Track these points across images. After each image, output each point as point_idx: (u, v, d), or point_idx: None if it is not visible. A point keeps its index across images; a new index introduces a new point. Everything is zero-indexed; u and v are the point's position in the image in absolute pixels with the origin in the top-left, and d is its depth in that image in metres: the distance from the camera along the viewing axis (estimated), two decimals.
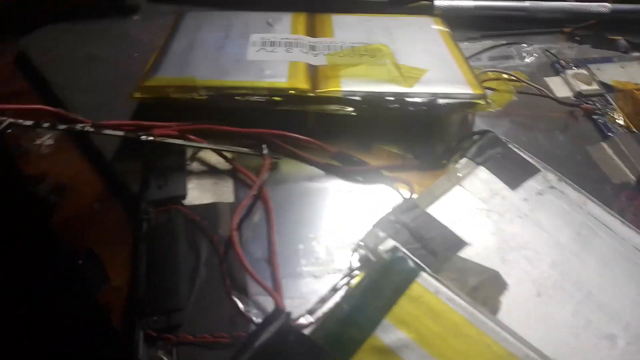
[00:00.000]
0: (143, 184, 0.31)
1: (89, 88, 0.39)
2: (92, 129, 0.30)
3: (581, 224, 0.30)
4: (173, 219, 0.30)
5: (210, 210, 0.30)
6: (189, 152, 0.33)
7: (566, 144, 0.36)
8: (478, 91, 0.34)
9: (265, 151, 0.32)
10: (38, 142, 0.37)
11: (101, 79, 0.40)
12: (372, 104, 0.33)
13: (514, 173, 0.32)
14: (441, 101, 0.34)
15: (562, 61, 0.42)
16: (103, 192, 0.34)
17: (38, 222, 0.33)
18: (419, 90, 0.34)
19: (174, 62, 0.36)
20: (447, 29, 0.42)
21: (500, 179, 0.32)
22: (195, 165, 0.33)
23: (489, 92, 0.38)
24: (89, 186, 0.34)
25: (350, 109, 0.34)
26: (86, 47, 0.42)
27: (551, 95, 0.39)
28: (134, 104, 0.36)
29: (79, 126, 0.30)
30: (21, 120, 0.29)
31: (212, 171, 0.33)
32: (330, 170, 0.33)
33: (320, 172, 0.33)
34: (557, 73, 0.42)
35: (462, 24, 0.45)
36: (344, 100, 0.34)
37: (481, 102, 0.34)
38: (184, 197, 0.31)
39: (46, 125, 0.29)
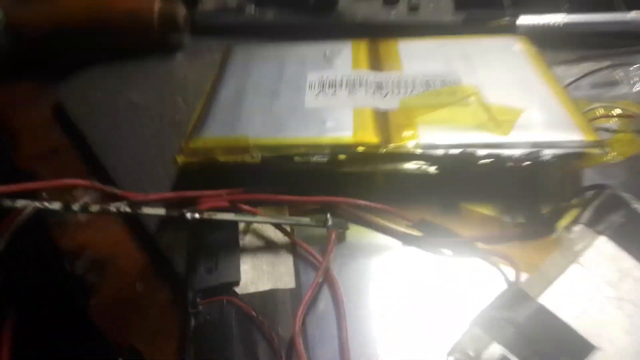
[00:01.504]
0: (190, 267, 0.27)
1: (130, 143, 0.35)
2: (128, 209, 0.25)
3: None
4: (225, 315, 0.25)
5: (268, 300, 0.25)
6: (242, 224, 0.28)
7: None
8: (591, 137, 0.28)
9: (329, 222, 0.27)
10: (82, 200, 0.33)
11: (143, 131, 0.35)
12: (459, 160, 0.27)
13: None
14: (546, 153, 0.27)
15: None
16: (147, 269, 0.30)
17: (75, 306, 0.29)
18: (517, 139, 0.28)
19: (222, 116, 0.31)
20: (535, 50, 0.36)
21: (630, 252, 0.25)
22: (249, 240, 0.28)
23: (602, 134, 0.31)
24: (131, 262, 0.30)
25: (432, 168, 0.28)
26: (127, 94, 0.38)
27: None
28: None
29: (113, 207, 0.25)
30: (47, 204, 0.25)
31: (269, 247, 0.27)
32: (410, 242, 0.28)
33: (398, 243, 0.28)
34: None
35: (552, 43, 0.38)
36: (423, 156, 0.28)
37: (596, 151, 0.27)
38: (237, 283, 0.26)
39: (76, 207, 0.25)
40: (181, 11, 0.40)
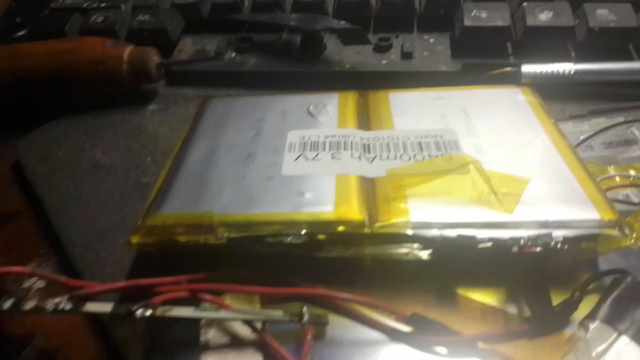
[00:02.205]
0: None
1: (91, 209, 0.31)
2: (68, 307, 0.22)
3: None
4: None
5: None
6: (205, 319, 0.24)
7: None
8: (608, 215, 0.24)
9: (306, 317, 0.23)
10: (27, 284, 0.29)
11: (106, 195, 0.32)
12: (456, 244, 0.24)
13: None
14: (556, 235, 0.23)
15: None
16: None
17: None
18: (523, 217, 0.24)
19: (187, 187, 0.28)
20: (540, 103, 0.32)
21: None
22: (212, 337, 0.24)
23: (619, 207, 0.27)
24: (83, 353, 0.26)
25: (424, 253, 0.24)
26: (91, 152, 0.35)
27: None
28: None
29: (49, 305, 0.22)
30: None
31: (235, 346, 0.24)
32: (400, 339, 0.24)
33: (386, 340, 0.24)
34: None
35: (558, 95, 0.35)
36: (414, 237, 0.24)
37: (614, 232, 0.23)
38: None
39: (8, 305, 0.21)
40: (153, 58, 0.37)
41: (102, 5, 0.43)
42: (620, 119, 0.33)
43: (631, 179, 0.29)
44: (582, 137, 0.32)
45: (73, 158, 0.34)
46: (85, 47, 0.36)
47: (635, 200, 0.29)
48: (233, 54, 0.39)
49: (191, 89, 0.39)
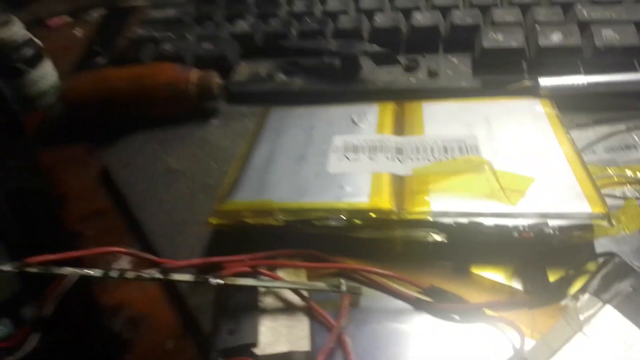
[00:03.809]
0: (214, 328, 0.29)
1: (166, 206, 0.38)
2: (159, 276, 0.28)
3: None
4: None
5: None
6: (262, 288, 0.30)
7: None
8: (599, 209, 0.28)
9: (343, 287, 0.28)
10: (115, 266, 0.36)
11: (178, 194, 0.38)
12: (467, 229, 0.29)
13: None
14: (551, 224, 0.28)
15: None
16: (177, 328, 0.32)
17: None
18: (524, 209, 0.29)
19: (252, 180, 0.34)
20: (556, 113, 0.37)
21: (635, 323, 0.26)
22: (268, 303, 0.30)
23: (612, 203, 0.31)
24: (164, 320, 0.33)
25: (441, 236, 0.29)
26: (165, 159, 0.41)
27: None
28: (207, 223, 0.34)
29: (146, 274, 0.28)
30: (89, 271, 0.28)
31: (286, 311, 0.29)
32: (422, 307, 0.29)
33: (410, 308, 0.29)
34: None
35: (570, 105, 0.39)
36: (433, 223, 0.29)
37: (603, 223, 0.28)
38: (255, 344, 0.28)
39: (115, 274, 0.28)
40: (216, 80, 0.43)
41: (171, 35, 0.50)
42: (622, 127, 0.37)
43: (627, 178, 0.33)
44: (586, 143, 0.36)
45: (150, 164, 0.41)
46: (160, 71, 0.43)
47: (630, 196, 0.33)
48: (283, 76, 0.45)
49: (247, 107, 0.45)
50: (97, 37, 0.58)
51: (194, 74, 0.43)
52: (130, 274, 0.28)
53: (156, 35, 0.50)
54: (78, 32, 0.62)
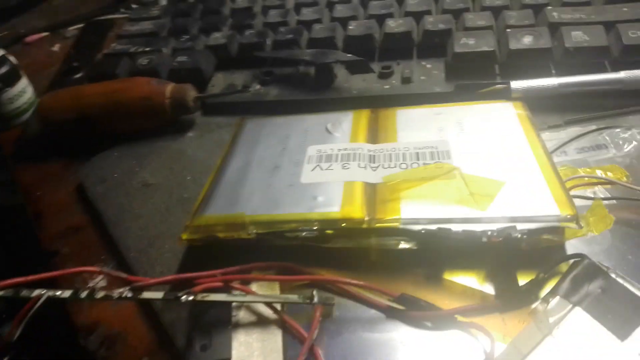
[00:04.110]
0: (187, 344, 0.29)
1: (142, 221, 0.37)
2: (129, 295, 0.28)
3: None
4: None
5: None
6: (235, 303, 0.30)
7: None
8: (567, 211, 0.29)
9: (315, 299, 0.28)
10: (91, 284, 0.36)
11: (154, 209, 0.38)
12: (436, 236, 0.29)
13: (621, 316, 0.26)
14: (519, 228, 0.28)
15: None
16: (152, 345, 0.32)
17: None
18: (493, 214, 0.29)
19: (225, 194, 0.34)
20: (527, 115, 0.37)
21: (604, 325, 0.26)
22: (242, 317, 0.30)
23: (579, 203, 0.32)
24: (139, 336, 0.32)
25: (411, 244, 0.29)
26: (141, 174, 0.41)
27: None
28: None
29: (115, 293, 0.28)
30: (59, 292, 0.28)
31: (260, 324, 0.29)
32: (394, 315, 0.29)
33: (382, 317, 0.29)
34: None
35: (543, 107, 0.39)
36: (402, 231, 0.30)
37: (571, 225, 0.28)
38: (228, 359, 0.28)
39: (84, 295, 0.28)
40: (191, 93, 0.43)
41: (147, 49, 0.50)
42: (593, 127, 0.38)
43: (596, 179, 0.33)
44: (558, 144, 0.37)
45: (126, 179, 0.41)
46: (135, 86, 0.43)
47: (601, 196, 0.33)
48: (258, 86, 0.45)
49: (223, 118, 0.45)
50: (75, 53, 0.58)
51: (169, 88, 0.43)
52: (99, 294, 0.28)
53: (132, 50, 0.50)
54: (56, 47, 0.62)
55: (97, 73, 0.49)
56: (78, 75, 0.53)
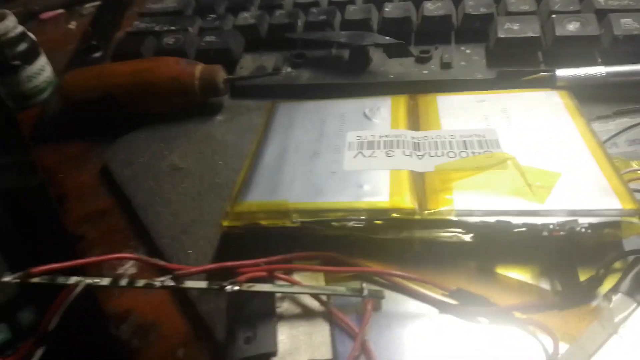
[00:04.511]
0: (229, 336, 0.27)
1: (172, 206, 0.36)
2: (172, 283, 0.26)
3: None
4: None
5: None
6: (279, 294, 0.29)
7: None
8: (630, 205, 0.27)
9: (365, 292, 0.27)
10: (120, 270, 0.34)
11: (185, 193, 0.37)
12: (494, 228, 0.28)
13: None
14: (581, 222, 0.27)
15: None
16: (188, 335, 0.30)
17: None
18: (553, 207, 0.28)
19: (265, 180, 0.33)
20: (575, 105, 0.35)
21: None
22: (286, 308, 0.28)
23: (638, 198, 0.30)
24: (174, 326, 0.31)
25: (467, 236, 0.28)
26: (169, 157, 0.40)
27: None
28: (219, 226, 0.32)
29: (157, 282, 0.26)
30: (98, 280, 0.26)
31: (306, 316, 0.28)
32: (447, 310, 0.27)
33: (434, 311, 0.28)
34: None
35: (589, 96, 0.38)
36: (458, 223, 0.28)
37: (634, 220, 0.27)
38: (274, 353, 0.26)
39: (124, 283, 0.26)
40: (221, 75, 0.42)
41: (173, 28, 0.48)
42: None
43: None
44: (608, 136, 0.35)
45: (154, 162, 0.40)
46: (163, 66, 0.42)
47: None
48: (289, 69, 0.44)
49: (253, 101, 0.43)
50: (93, 31, 0.56)
51: (199, 68, 0.41)
52: (140, 282, 0.26)
53: (157, 29, 0.49)
54: (73, 25, 0.60)
55: (121, 52, 0.47)
56: (97, 54, 0.51)
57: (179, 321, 0.31)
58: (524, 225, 0.27)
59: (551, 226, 0.27)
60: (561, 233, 0.27)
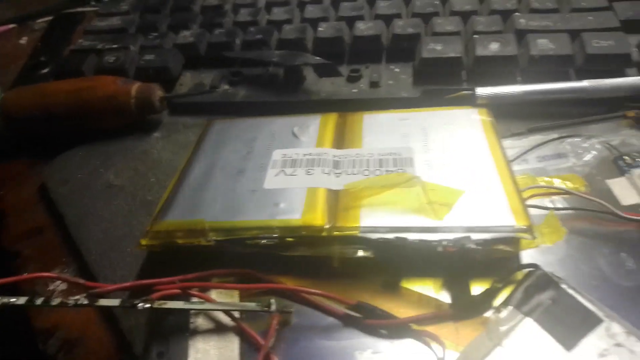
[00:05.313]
0: (145, 351, 0.29)
1: (103, 223, 0.37)
2: (85, 302, 0.28)
3: None
4: None
5: None
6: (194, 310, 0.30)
7: (637, 272, 0.30)
8: (522, 222, 0.29)
9: (273, 307, 0.29)
10: (51, 287, 0.35)
11: (117, 211, 0.38)
12: (392, 245, 0.29)
13: (569, 326, 0.27)
14: (474, 238, 0.29)
15: (626, 157, 0.36)
16: (111, 350, 0.32)
17: None
18: (451, 223, 0.29)
19: (187, 199, 0.34)
20: (491, 122, 0.37)
21: (552, 335, 0.26)
22: (200, 324, 0.30)
23: (536, 212, 0.32)
24: (99, 342, 0.32)
25: (366, 252, 0.30)
26: (105, 175, 0.41)
27: (613, 210, 0.32)
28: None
29: (71, 300, 0.28)
30: (14, 299, 0.27)
31: (218, 331, 0.29)
32: (351, 324, 0.29)
33: (339, 324, 0.29)
34: (621, 173, 0.35)
35: (508, 114, 0.40)
36: (361, 240, 0.30)
37: (525, 236, 0.29)
38: None
39: (39, 301, 0.27)
40: (157, 93, 0.43)
41: (114, 46, 0.49)
42: (555, 135, 0.38)
43: (553, 189, 0.34)
44: (519, 152, 0.37)
45: (90, 180, 0.41)
46: (100, 85, 0.43)
47: (559, 205, 0.34)
48: (226, 87, 0.45)
49: (190, 118, 0.45)
50: (43, 46, 0.57)
51: (135, 87, 0.43)
52: (55, 301, 0.28)
53: (99, 47, 0.50)
54: (24, 40, 0.61)
55: (63, 69, 0.48)
56: (45, 71, 0.52)
57: (104, 337, 0.32)
58: (420, 241, 0.29)
59: (445, 242, 0.29)
60: (453, 249, 0.28)
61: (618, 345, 0.26)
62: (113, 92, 0.42)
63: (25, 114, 0.44)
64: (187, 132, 0.43)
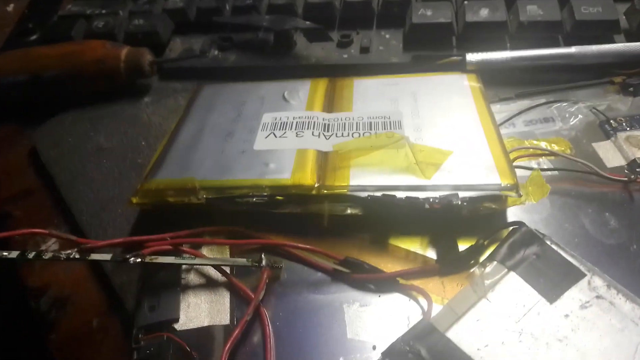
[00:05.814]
0: (137, 305, 0.29)
1: (94, 185, 0.37)
2: (77, 256, 0.28)
3: (638, 348, 0.25)
4: (164, 350, 0.27)
5: (202, 336, 0.28)
6: (185, 266, 0.31)
7: (619, 231, 0.31)
8: (508, 180, 0.30)
9: (263, 262, 0.29)
10: (43, 247, 0.36)
11: (107, 173, 0.38)
12: (381, 202, 0.30)
13: (552, 280, 0.27)
14: (461, 196, 0.29)
15: (612, 121, 0.36)
16: (102, 306, 0.32)
17: (37, 342, 0.32)
18: (437, 182, 0.30)
19: (177, 159, 0.34)
20: (480, 87, 0.38)
21: (536, 288, 0.27)
22: (191, 279, 0.30)
23: (523, 173, 0.33)
24: (90, 299, 0.33)
25: (354, 210, 0.30)
26: (95, 138, 0.41)
27: (597, 170, 0.33)
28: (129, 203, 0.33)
29: (63, 254, 0.28)
30: (6, 253, 0.28)
31: (209, 286, 0.30)
32: (339, 278, 0.30)
33: (327, 279, 0.30)
34: (607, 136, 0.36)
35: (496, 79, 0.40)
36: (350, 197, 0.30)
37: (511, 194, 0.29)
38: (176, 320, 0.28)
39: (31, 255, 0.28)
40: (146, 57, 0.43)
41: (103, 11, 0.49)
42: (542, 100, 0.39)
43: (540, 150, 0.34)
44: (507, 117, 0.38)
45: (80, 143, 0.41)
46: (89, 49, 0.42)
47: (545, 167, 0.34)
48: (216, 52, 0.45)
49: (180, 83, 0.44)
50: (30, 13, 0.56)
51: (124, 51, 0.42)
52: (47, 255, 0.28)
53: (88, 12, 0.49)
54: (10, 7, 0.60)
55: (51, 35, 0.47)
56: (33, 37, 0.52)
57: (95, 293, 0.33)
58: (407, 199, 0.29)
59: (431, 200, 0.29)
60: (440, 206, 0.29)
61: (599, 297, 0.27)
62: (102, 55, 0.42)
63: (13, 77, 0.43)
64: (177, 96, 0.43)
